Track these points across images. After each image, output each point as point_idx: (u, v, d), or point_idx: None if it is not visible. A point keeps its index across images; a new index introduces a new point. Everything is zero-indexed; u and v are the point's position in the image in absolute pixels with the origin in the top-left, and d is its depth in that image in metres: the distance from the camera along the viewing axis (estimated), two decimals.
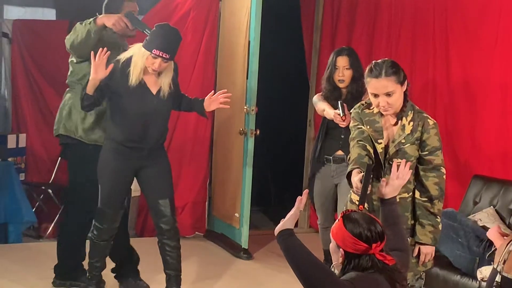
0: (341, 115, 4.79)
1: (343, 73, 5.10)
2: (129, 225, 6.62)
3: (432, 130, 3.67)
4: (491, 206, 5.18)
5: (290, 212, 2.92)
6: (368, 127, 3.75)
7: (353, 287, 2.66)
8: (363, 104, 3.85)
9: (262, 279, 5.64)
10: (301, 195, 3.02)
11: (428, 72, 6.00)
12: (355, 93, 5.06)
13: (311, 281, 2.71)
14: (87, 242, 4.87)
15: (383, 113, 3.72)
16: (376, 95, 3.65)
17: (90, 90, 4.44)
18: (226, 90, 4.84)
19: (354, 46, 6.01)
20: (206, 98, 4.76)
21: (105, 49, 4.38)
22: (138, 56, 4.49)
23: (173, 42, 4.50)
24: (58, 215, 6.81)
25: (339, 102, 4.86)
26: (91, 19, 4.68)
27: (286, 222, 2.88)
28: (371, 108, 3.78)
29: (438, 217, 3.72)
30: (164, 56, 4.43)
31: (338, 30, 6.99)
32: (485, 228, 4.90)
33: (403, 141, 3.66)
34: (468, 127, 5.66)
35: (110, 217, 4.70)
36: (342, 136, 5.05)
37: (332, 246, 2.85)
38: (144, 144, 4.63)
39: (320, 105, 5.13)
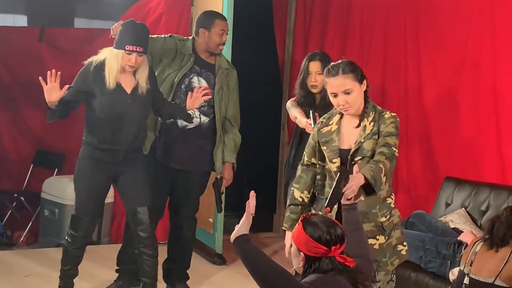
0: (312, 125, 4.65)
1: (315, 78, 5.04)
2: (103, 232, 6.62)
3: (388, 120, 3.65)
4: (463, 208, 5.22)
5: (243, 218, 2.88)
6: (325, 148, 3.75)
7: None
8: (322, 121, 3.85)
9: (235, 285, 5.63)
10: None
11: (400, 75, 6.03)
12: (328, 99, 5.02)
13: (270, 285, 2.69)
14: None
15: (344, 113, 3.72)
16: (335, 95, 3.66)
17: (52, 107, 4.40)
18: (201, 85, 4.88)
19: (327, 50, 6.02)
20: (187, 100, 4.76)
21: (53, 71, 4.32)
22: (112, 58, 4.48)
23: (143, 35, 4.51)
24: (31, 223, 6.78)
25: (310, 111, 4.73)
26: None
27: (240, 228, 2.85)
28: (330, 123, 3.78)
29: (380, 164, 3.49)
30: (138, 49, 4.43)
31: (311, 34, 7.01)
32: (456, 230, 4.94)
33: (362, 140, 3.65)
34: (440, 129, 5.69)
35: (86, 224, 4.67)
36: None
37: (293, 250, 2.85)
38: (119, 146, 4.58)
39: (293, 112, 5.07)
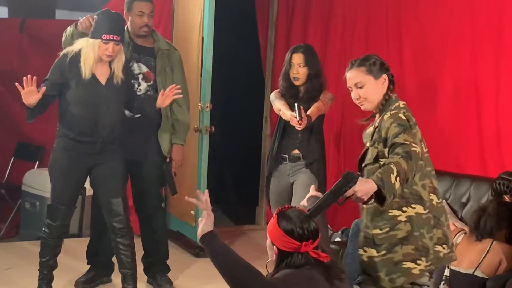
0: (298, 118, 4.65)
1: (297, 71, 5.01)
2: (85, 225, 6.59)
3: (386, 122, 3.33)
4: (444, 200, 5.23)
5: (203, 214, 2.87)
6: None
7: (283, 285, 2.63)
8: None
9: (216, 277, 5.60)
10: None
11: None
12: (311, 92, 5.01)
13: (239, 283, 2.68)
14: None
15: (361, 108, 3.56)
16: (351, 89, 3.52)
17: (30, 107, 4.39)
18: (174, 84, 4.83)
19: (309, 42, 6.03)
20: (158, 97, 4.74)
21: (29, 76, 4.29)
22: (88, 48, 4.46)
23: (119, 24, 4.50)
24: (11, 216, 6.74)
25: (296, 104, 4.73)
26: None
27: (205, 226, 2.84)
28: (371, 125, 3.61)
29: (391, 164, 3.09)
30: (115, 38, 4.42)
31: (293, 26, 7.01)
32: None
33: (368, 145, 3.49)
34: (421, 121, 5.63)
35: (63, 213, 4.66)
36: (299, 135, 5.01)
37: (268, 242, 2.83)
38: (95, 137, 4.56)
39: (277, 104, 5.05)
